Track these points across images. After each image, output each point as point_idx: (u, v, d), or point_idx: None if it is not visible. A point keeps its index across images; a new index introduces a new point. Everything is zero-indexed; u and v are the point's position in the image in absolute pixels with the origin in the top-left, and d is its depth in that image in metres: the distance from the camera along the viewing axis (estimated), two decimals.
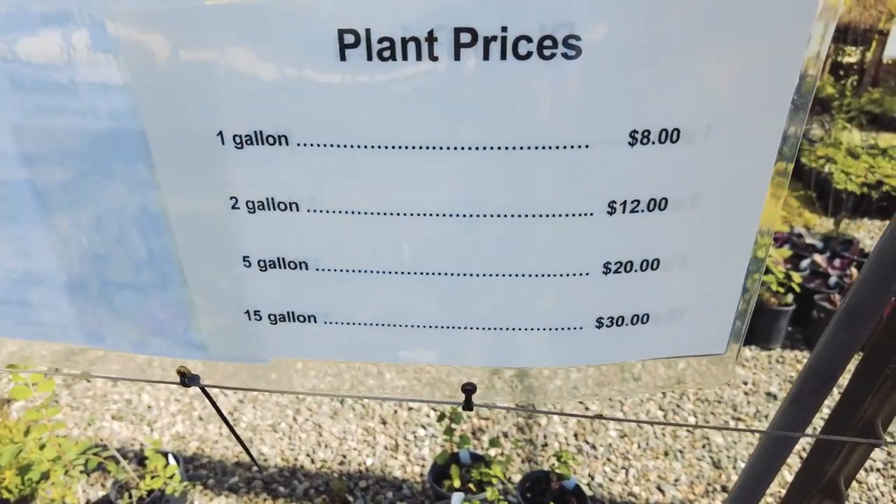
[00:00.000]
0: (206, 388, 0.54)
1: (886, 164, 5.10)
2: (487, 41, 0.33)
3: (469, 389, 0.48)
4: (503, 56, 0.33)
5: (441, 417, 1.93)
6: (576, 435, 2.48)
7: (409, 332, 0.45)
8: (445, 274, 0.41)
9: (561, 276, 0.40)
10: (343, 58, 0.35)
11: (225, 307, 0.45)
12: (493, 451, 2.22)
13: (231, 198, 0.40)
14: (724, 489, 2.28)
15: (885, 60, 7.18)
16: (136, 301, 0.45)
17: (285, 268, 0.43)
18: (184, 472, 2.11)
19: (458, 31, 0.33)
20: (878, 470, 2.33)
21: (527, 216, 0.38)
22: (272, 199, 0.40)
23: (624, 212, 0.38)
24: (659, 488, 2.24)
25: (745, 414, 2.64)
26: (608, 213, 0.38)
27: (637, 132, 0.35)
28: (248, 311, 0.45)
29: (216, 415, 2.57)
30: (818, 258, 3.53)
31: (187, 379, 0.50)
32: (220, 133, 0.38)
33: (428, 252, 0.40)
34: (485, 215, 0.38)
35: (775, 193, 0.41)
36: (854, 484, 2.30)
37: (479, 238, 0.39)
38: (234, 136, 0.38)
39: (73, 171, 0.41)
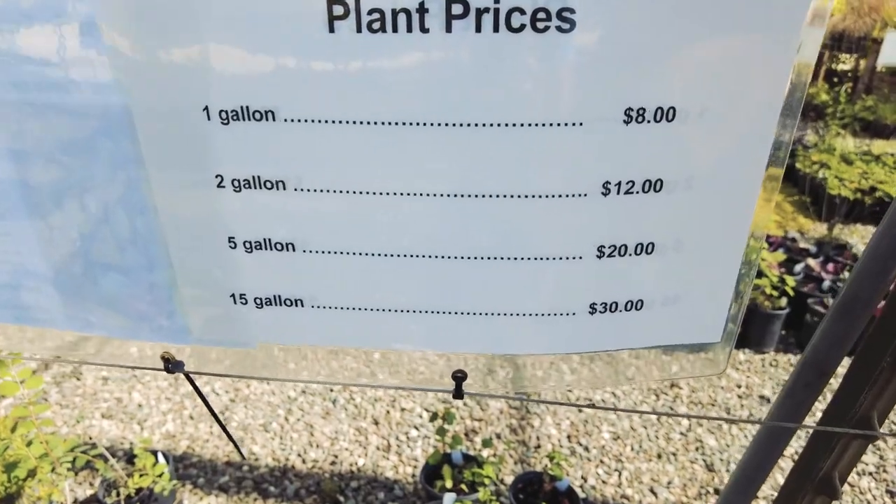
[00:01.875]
0: (192, 376, 0.52)
1: (880, 171, 5.13)
2: (480, 13, 0.32)
3: (459, 377, 0.47)
4: (496, 28, 0.32)
5: (433, 417, 1.91)
6: (569, 437, 2.47)
7: (399, 316, 0.44)
8: (436, 256, 0.40)
9: (554, 259, 0.39)
10: (332, 29, 0.34)
11: (210, 290, 0.44)
12: (485, 452, 2.21)
13: (217, 175, 0.39)
14: (716, 491, 2.27)
15: (878, 68, 7.22)
16: (120, 284, 0.44)
17: (272, 249, 0.42)
18: (173, 471, 2.09)
19: (449, 2, 0.32)
20: (870, 473, 2.33)
21: (519, 197, 0.37)
22: (258, 177, 0.39)
23: (618, 193, 0.37)
24: (652, 490, 2.23)
25: (738, 416, 2.63)
26: (602, 193, 0.37)
27: (632, 110, 0.35)
28: (233, 295, 0.44)
29: (207, 414, 2.55)
30: (812, 262, 3.54)
31: (171, 365, 0.49)
32: (206, 108, 0.37)
33: (418, 233, 0.39)
34: (476, 195, 0.37)
35: (767, 198, 0.40)
36: (846, 487, 2.31)
37: (469, 219, 0.38)
38: (220, 112, 0.37)
39: (55, 148, 0.40)
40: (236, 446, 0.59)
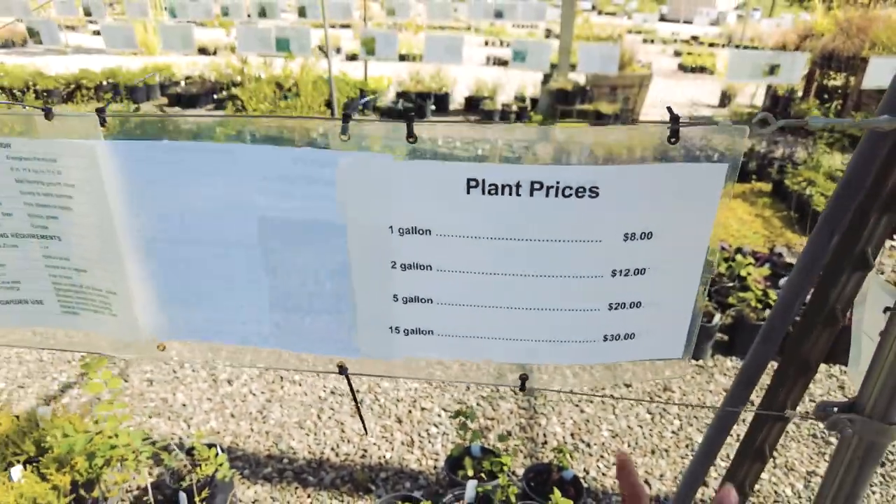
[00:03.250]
0: (349, 376, 0.81)
1: None
2: (548, 187, 0.62)
3: (524, 377, 0.76)
4: (556, 195, 0.62)
5: (457, 415, 2.20)
6: (572, 434, 2.76)
7: (488, 342, 0.73)
8: (512, 308, 0.69)
9: (583, 310, 0.68)
10: (468, 192, 0.63)
11: (377, 325, 0.73)
12: (500, 445, 2.49)
13: (391, 262, 0.69)
14: (704, 483, 2.56)
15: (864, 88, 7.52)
16: (320, 322, 0.73)
17: (417, 302, 0.71)
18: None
19: (532, 182, 0.62)
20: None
21: (563, 277, 0.66)
22: (416, 263, 0.68)
23: (620, 275, 0.66)
24: (646, 482, 2.52)
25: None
26: (611, 275, 0.66)
27: (627, 234, 0.64)
28: (391, 327, 0.73)
29: (247, 413, 2.84)
30: None
31: (343, 369, 0.78)
32: (391, 226, 0.66)
33: (503, 299, 0.69)
34: (541, 276, 0.67)
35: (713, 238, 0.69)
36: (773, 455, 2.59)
37: (537, 290, 0.67)
38: (399, 228, 0.66)
39: (300, 244, 0.69)
40: (363, 423, 0.88)
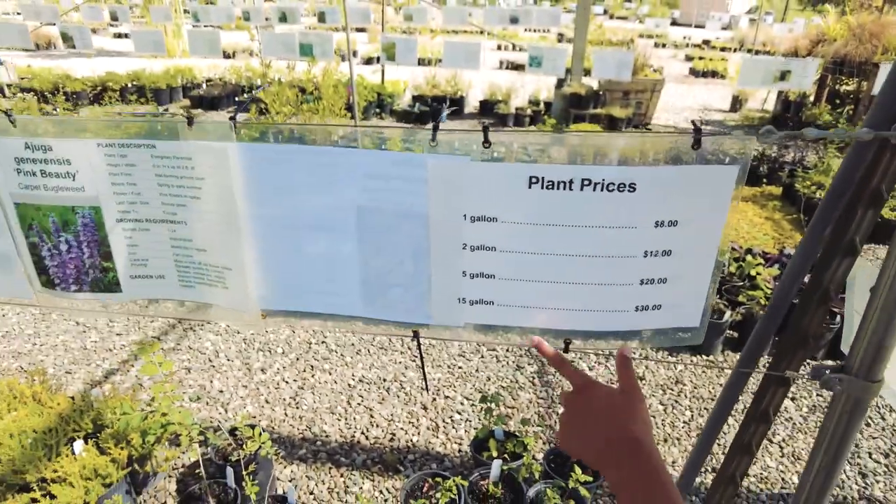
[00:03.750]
0: (420, 339, 0.97)
1: None
2: (594, 183, 0.78)
3: (567, 342, 0.92)
4: (602, 189, 0.78)
5: (482, 400, 2.35)
6: None
7: (537, 311, 0.89)
8: (560, 282, 0.85)
9: (620, 285, 0.84)
10: (529, 187, 0.79)
11: (448, 296, 0.89)
12: (523, 429, 2.64)
13: (463, 244, 0.85)
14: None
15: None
16: (401, 294, 0.90)
17: (482, 278, 0.87)
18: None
19: (583, 179, 0.78)
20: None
21: (602, 256, 0.82)
22: (483, 244, 0.84)
23: (651, 256, 0.82)
24: None
25: (735, 410, 3.06)
26: (643, 256, 0.82)
27: (658, 221, 0.80)
28: (459, 298, 0.89)
29: (280, 399, 3.01)
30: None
31: (416, 334, 0.94)
32: (465, 214, 0.83)
33: (553, 272, 0.85)
34: (584, 255, 0.83)
35: (726, 235, 0.84)
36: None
37: (582, 268, 0.83)
38: (472, 217, 0.83)
39: (390, 230, 0.85)
40: (426, 382, 1.04)
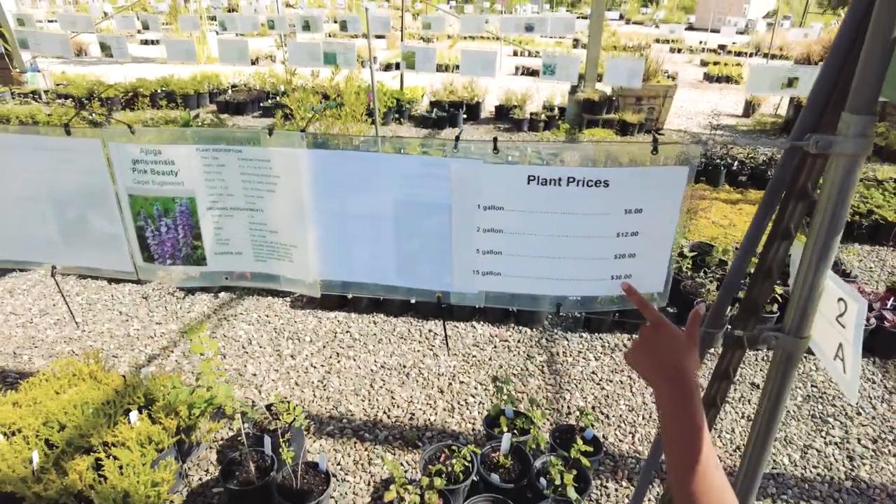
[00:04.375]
0: (443, 304, 1.22)
1: (878, 195, 5.68)
2: (578, 181, 1.02)
3: (559, 304, 1.16)
4: (583, 185, 1.03)
5: (494, 380, 2.60)
6: (593, 407, 3.13)
7: (535, 280, 1.14)
8: (552, 257, 1.10)
9: (597, 259, 1.09)
10: (528, 183, 1.04)
11: (465, 269, 1.14)
12: (532, 407, 2.88)
13: (477, 227, 1.10)
14: None
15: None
16: (428, 267, 1.15)
17: (492, 254, 1.12)
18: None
19: (569, 177, 1.03)
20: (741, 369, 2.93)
21: (584, 237, 1.07)
22: (493, 228, 1.10)
23: (622, 236, 1.07)
24: None
25: (731, 398, 3.26)
26: (616, 236, 1.07)
27: (627, 209, 1.04)
28: (474, 270, 1.14)
29: (309, 382, 3.28)
30: None
31: (440, 300, 1.20)
32: (479, 204, 1.08)
33: (547, 249, 1.09)
34: (570, 236, 1.07)
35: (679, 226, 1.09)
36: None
37: (562, 245, 1.08)
38: (484, 206, 1.08)
39: (419, 219, 1.11)
40: (447, 345, 1.29)
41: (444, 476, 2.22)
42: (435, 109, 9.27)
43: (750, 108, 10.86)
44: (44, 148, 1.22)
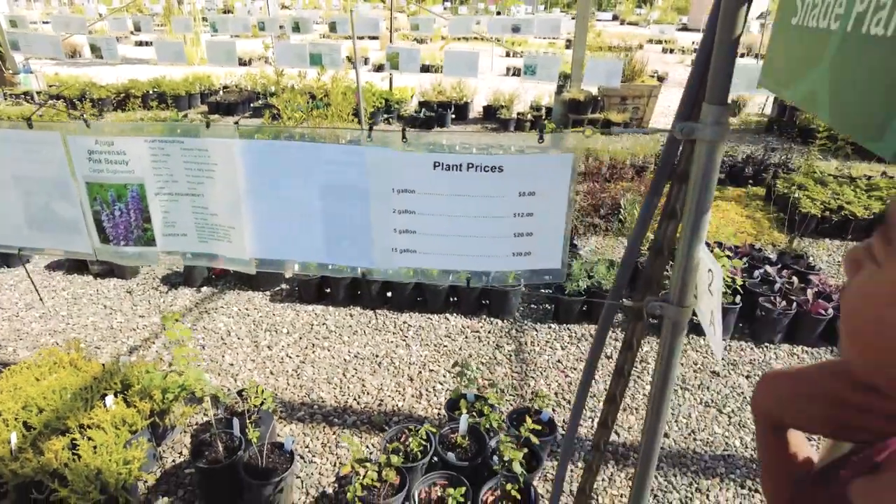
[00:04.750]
0: (366, 279, 1.35)
1: (850, 192, 5.82)
2: (476, 166, 1.15)
3: (469, 279, 1.29)
4: (481, 171, 1.15)
5: (455, 365, 2.72)
6: (556, 394, 3.26)
7: (446, 256, 1.27)
8: (460, 236, 1.23)
9: (497, 237, 1.21)
10: (434, 169, 1.17)
11: (384, 247, 1.27)
12: (490, 391, 3.00)
13: (393, 209, 1.23)
14: (666, 435, 3.03)
15: None
16: (351, 245, 1.28)
17: (407, 233, 1.25)
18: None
19: (468, 163, 1.16)
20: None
21: (486, 217, 1.20)
22: (406, 209, 1.22)
23: (519, 216, 1.19)
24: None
25: (691, 385, 3.39)
26: (513, 216, 1.19)
27: (521, 192, 1.17)
28: (392, 248, 1.27)
29: (284, 371, 3.40)
30: (769, 269, 4.27)
31: (364, 275, 1.32)
32: (393, 188, 1.21)
33: (455, 228, 1.22)
34: (473, 216, 1.20)
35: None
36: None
37: (471, 223, 1.21)
38: (397, 190, 1.21)
39: (342, 197, 1.24)
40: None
41: (400, 454, 2.35)
42: (423, 109, 9.40)
43: (736, 107, 10.99)
44: (8, 140, 1.34)
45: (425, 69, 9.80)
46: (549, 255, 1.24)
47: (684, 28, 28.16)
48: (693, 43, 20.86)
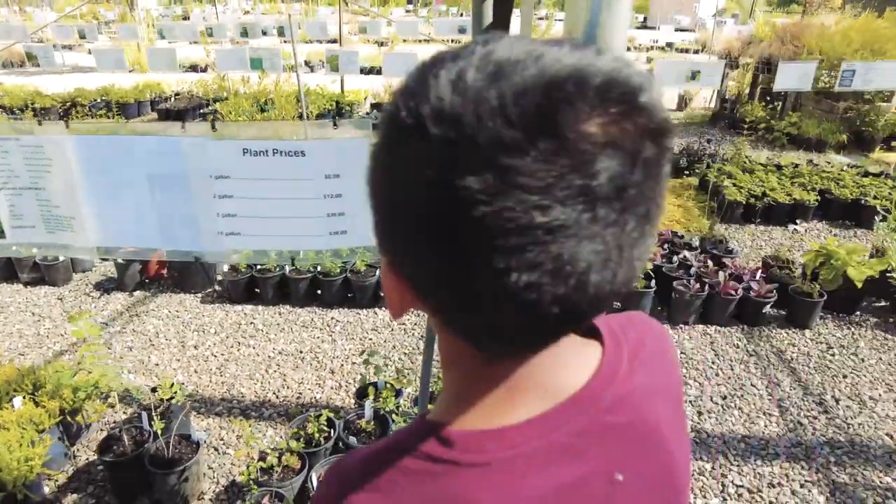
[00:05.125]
0: (203, 263, 1.44)
1: (775, 179, 6.08)
2: (280, 151, 1.25)
3: (293, 258, 1.39)
4: (286, 155, 1.26)
5: (361, 353, 2.82)
6: None
7: (269, 238, 1.36)
8: (278, 217, 1.33)
9: (314, 218, 1.32)
10: (244, 155, 1.27)
11: (211, 231, 1.36)
12: (398, 378, 3.11)
13: (213, 194, 1.32)
14: None
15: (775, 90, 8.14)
16: (182, 231, 1.37)
17: (229, 217, 1.34)
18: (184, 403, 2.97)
19: (273, 149, 1.26)
20: None
21: (300, 199, 1.30)
22: (225, 194, 1.32)
23: (329, 198, 1.30)
24: None
25: None
26: (324, 198, 1.30)
27: (327, 175, 1.28)
28: (218, 232, 1.36)
29: (207, 369, 3.46)
30: (687, 254, 4.46)
31: (198, 259, 1.41)
32: (210, 175, 1.30)
33: (272, 210, 1.32)
34: (288, 198, 1.30)
35: None
36: None
37: (287, 205, 1.31)
38: (215, 176, 1.30)
39: (168, 185, 1.33)
40: None
41: (301, 440, 2.43)
42: (374, 111, 9.48)
43: (683, 102, 11.32)
44: None
45: (368, 71, 9.88)
46: (364, 233, 1.34)
47: (643, 26, 28.77)
48: (652, 41, 21.35)
